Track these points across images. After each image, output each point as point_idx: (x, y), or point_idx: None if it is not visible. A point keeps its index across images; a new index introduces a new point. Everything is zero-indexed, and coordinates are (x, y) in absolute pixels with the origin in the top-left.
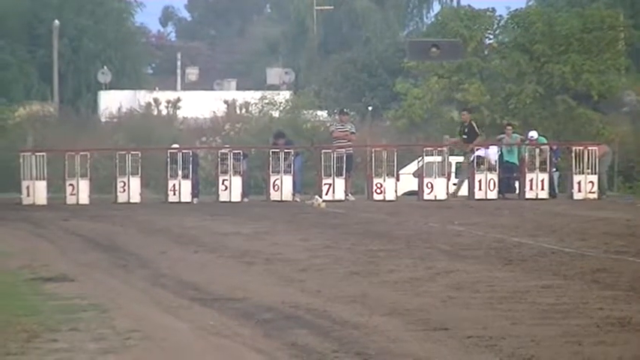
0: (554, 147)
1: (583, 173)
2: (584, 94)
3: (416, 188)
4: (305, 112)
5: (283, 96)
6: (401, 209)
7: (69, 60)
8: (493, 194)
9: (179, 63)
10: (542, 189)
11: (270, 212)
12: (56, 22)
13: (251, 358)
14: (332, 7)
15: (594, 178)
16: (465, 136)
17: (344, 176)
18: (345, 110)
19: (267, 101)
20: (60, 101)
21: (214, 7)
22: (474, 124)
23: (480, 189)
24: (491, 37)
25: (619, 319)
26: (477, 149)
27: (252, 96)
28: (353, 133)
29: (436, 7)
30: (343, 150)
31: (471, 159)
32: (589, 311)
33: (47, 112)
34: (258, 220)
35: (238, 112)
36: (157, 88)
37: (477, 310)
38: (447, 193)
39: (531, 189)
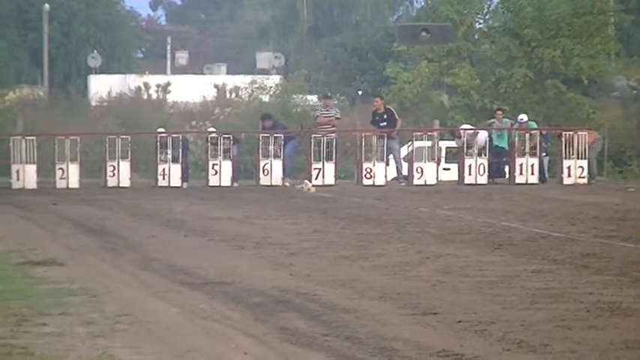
0: (544, 132)
1: (573, 158)
2: (574, 79)
3: (405, 173)
4: (295, 96)
5: (273, 80)
6: (390, 194)
7: (59, 44)
8: (483, 179)
9: (169, 47)
10: (532, 174)
11: (260, 197)
12: (46, 5)
13: (241, 341)
14: None
15: (584, 163)
16: (384, 123)
17: (334, 161)
18: (328, 94)
19: (257, 86)
20: (50, 85)
21: None
22: (393, 110)
23: (470, 174)
24: (481, 21)
25: (609, 303)
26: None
27: (242, 80)
28: (338, 118)
29: None
30: (332, 135)
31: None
32: (579, 296)
33: (37, 96)
34: (248, 204)
35: (228, 96)
36: (146, 72)
37: (467, 294)
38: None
39: (521, 174)
